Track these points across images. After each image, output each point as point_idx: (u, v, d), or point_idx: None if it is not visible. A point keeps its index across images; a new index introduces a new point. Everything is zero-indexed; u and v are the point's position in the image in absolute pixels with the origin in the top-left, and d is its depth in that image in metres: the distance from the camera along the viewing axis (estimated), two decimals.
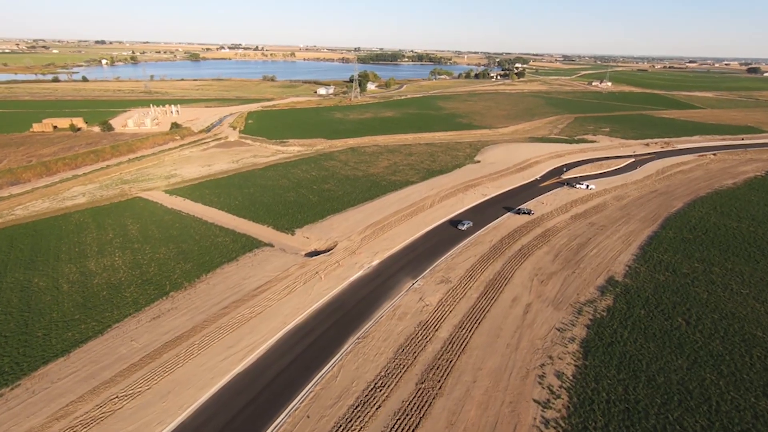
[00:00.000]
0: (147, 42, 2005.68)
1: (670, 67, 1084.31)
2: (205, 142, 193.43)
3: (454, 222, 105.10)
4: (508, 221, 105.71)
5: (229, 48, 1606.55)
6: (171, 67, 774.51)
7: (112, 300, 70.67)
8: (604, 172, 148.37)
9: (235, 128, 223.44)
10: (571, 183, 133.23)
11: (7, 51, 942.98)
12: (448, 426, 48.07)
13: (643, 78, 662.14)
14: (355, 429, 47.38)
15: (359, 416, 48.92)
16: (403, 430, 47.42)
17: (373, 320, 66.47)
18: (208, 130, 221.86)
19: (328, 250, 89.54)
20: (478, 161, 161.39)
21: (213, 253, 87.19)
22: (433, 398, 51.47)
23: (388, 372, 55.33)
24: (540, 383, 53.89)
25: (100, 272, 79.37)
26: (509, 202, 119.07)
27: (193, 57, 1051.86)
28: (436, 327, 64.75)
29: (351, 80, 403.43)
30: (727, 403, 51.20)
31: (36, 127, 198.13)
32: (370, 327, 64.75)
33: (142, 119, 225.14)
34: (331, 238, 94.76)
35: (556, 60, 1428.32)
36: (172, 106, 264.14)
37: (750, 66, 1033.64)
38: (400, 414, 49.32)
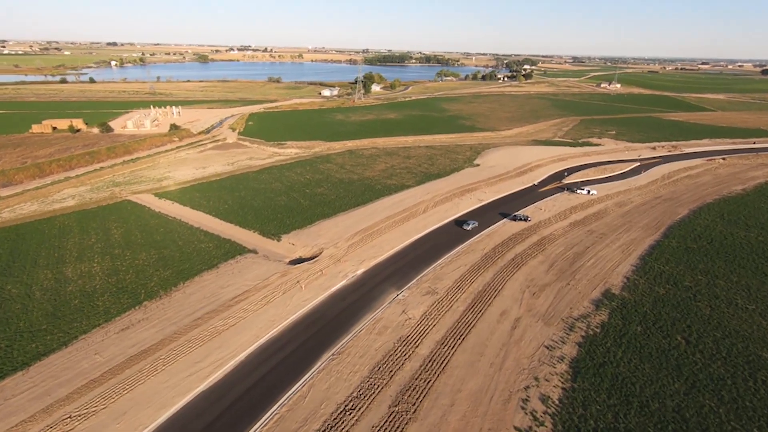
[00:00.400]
0: (158, 44, 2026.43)
1: (681, 69, 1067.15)
2: (202, 144, 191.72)
3: (459, 222, 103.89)
4: (504, 228, 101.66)
5: (238, 50, 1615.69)
6: (179, 68, 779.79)
7: (83, 309, 68.10)
8: (607, 177, 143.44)
9: (234, 130, 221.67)
10: (571, 188, 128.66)
11: (20, 53, 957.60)
12: None
13: (653, 80, 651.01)
14: None
15: None
16: None
17: (351, 334, 63.04)
18: (207, 131, 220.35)
19: (313, 258, 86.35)
20: (478, 165, 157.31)
21: (194, 260, 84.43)
22: (406, 423, 47.87)
23: (361, 393, 51.83)
24: (523, 408, 50.02)
25: (76, 279, 76.96)
26: (506, 207, 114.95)
27: (202, 58, 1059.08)
28: (417, 343, 61.11)
29: (356, 82, 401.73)
30: None
31: (35, 128, 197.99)
32: (348, 342, 61.31)
33: (142, 121, 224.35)
34: (318, 244, 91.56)
35: (565, 61, 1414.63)
36: (173, 107, 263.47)
37: (765, 68, 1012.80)
38: None
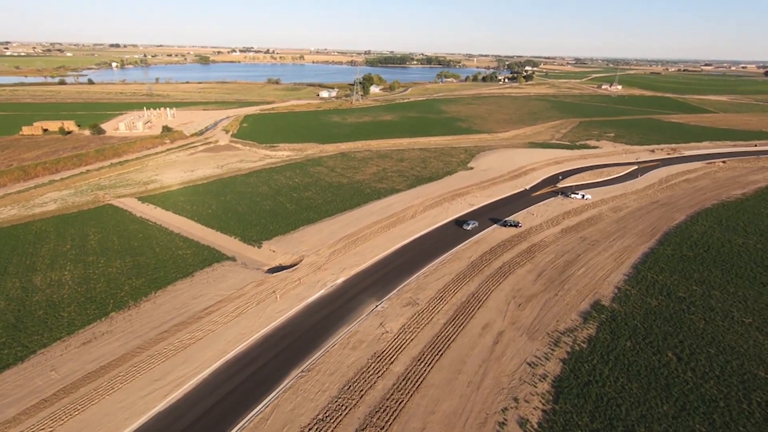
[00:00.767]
0: (161, 45, 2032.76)
1: (684, 70, 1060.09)
2: (193, 147, 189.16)
3: (459, 222, 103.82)
4: (493, 234, 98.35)
5: (240, 51, 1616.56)
6: (180, 69, 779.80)
7: (47, 321, 65.21)
8: (603, 181, 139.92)
9: (227, 132, 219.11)
10: (566, 192, 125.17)
11: (22, 54, 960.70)
12: None
13: (655, 81, 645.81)
14: None
15: None
16: None
17: (323, 349, 59.88)
18: (200, 133, 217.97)
19: (293, 266, 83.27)
20: (471, 168, 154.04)
21: (169, 268, 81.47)
22: None
23: (327, 415, 48.65)
24: None
25: (44, 288, 74.12)
26: (497, 212, 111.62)
27: (203, 60, 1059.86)
28: (392, 359, 57.89)
29: (359, 83, 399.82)
30: None
31: (25, 130, 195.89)
32: (319, 357, 58.15)
33: (134, 122, 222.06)
34: (299, 251, 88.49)
35: (567, 63, 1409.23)
36: (168, 109, 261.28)
37: None
38: None
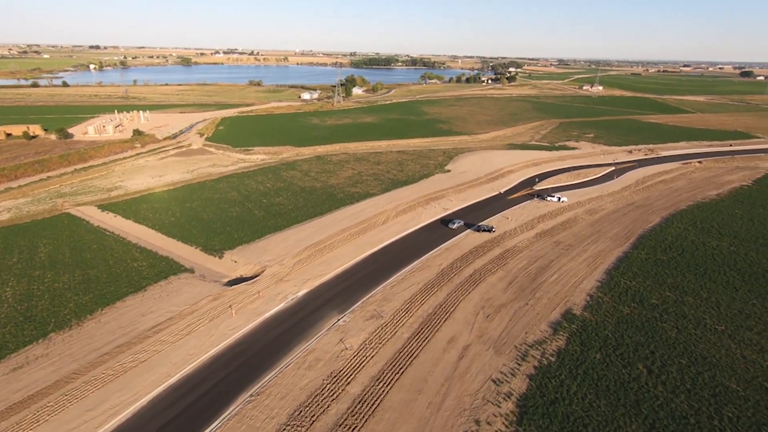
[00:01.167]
0: (143, 47, 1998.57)
1: (664, 71, 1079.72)
2: (164, 151, 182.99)
3: (445, 221, 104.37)
4: (466, 240, 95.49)
5: (224, 53, 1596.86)
6: (161, 71, 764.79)
7: None
8: (580, 183, 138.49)
9: (202, 135, 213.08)
10: (542, 195, 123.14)
11: None
12: None
13: (635, 82, 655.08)
14: None
15: None
16: None
17: (276, 370, 55.95)
18: (174, 137, 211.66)
19: (254, 277, 79.12)
20: (449, 170, 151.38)
21: (121, 282, 76.61)
22: None
23: None
24: None
25: None
26: (472, 216, 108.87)
27: (185, 62, 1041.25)
28: (350, 379, 54.25)
29: (341, 84, 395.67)
30: None
31: None
32: (271, 379, 54.22)
33: (105, 126, 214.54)
34: (262, 261, 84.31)
35: (550, 64, 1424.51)
36: (141, 112, 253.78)
37: (743, 70, 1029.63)
38: None
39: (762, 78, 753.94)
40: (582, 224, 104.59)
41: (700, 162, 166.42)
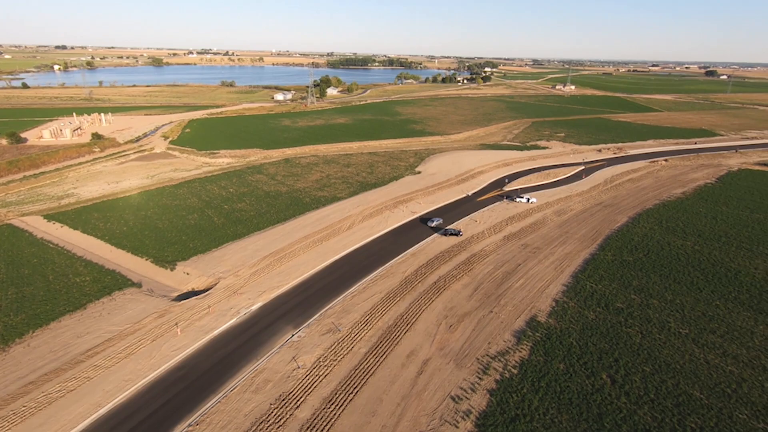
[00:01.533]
0: (112, 47, 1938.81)
1: (633, 71, 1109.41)
2: (125, 155, 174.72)
3: (424, 219, 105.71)
4: (432, 245, 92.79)
5: (198, 53, 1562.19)
6: (130, 72, 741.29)
7: None
8: (550, 183, 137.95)
9: (166, 138, 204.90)
10: (511, 196, 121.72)
11: None
12: None
13: (606, 81, 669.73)
14: None
15: None
16: None
17: (221, 394, 51.74)
18: (137, 140, 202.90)
19: (207, 290, 74.39)
20: (419, 172, 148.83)
21: (59, 299, 70.77)
22: None
23: None
24: None
25: None
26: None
27: (156, 62, 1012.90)
28: (300, 402, 50.50)
29: (315, 85, 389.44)
30: None
31: None
32: (213, 405, 49.98)
33: (62, 130, 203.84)
34: (216, 273, 79.58)
35: (525, 64, 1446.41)
36: (103, 114, 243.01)
37: (708, 69, 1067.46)
38: None
39: (725, 77, 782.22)
40: (550, 225, 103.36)
41: (666, 160, 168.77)
